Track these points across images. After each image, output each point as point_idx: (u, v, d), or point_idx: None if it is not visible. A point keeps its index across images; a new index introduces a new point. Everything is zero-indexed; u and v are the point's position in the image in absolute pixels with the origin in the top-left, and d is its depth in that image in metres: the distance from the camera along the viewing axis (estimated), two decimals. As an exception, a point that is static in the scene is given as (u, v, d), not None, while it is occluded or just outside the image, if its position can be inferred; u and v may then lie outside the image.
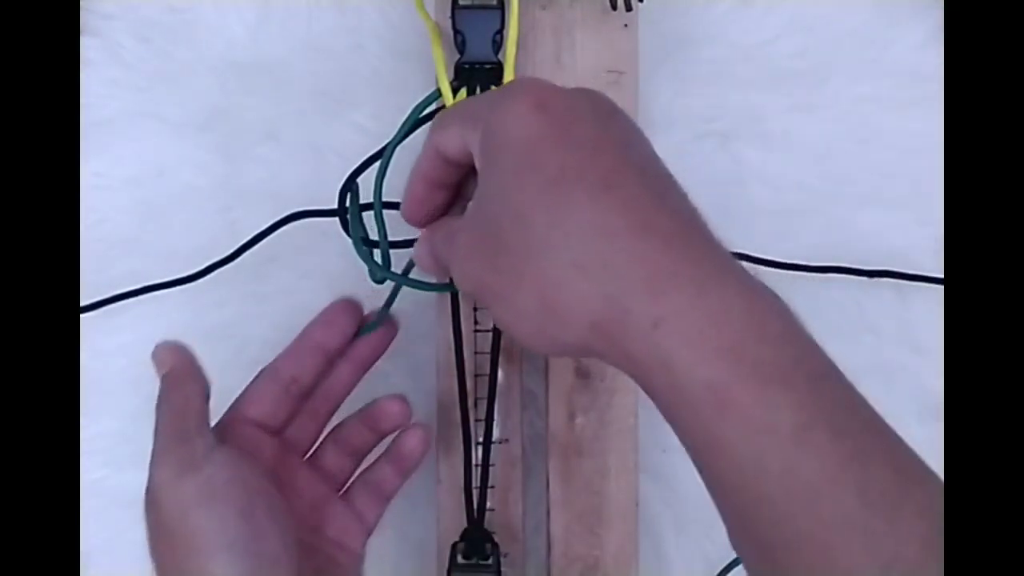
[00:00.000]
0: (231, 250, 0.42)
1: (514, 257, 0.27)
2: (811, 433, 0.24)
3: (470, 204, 0.30)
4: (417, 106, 0.38)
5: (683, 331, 0.25)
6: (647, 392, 0.27)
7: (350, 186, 0.38)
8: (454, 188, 0.33)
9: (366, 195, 0.38)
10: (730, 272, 0.26)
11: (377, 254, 0.37)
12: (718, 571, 0.44)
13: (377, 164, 0.37)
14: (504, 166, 0.28)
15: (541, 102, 0.28)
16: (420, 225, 0.34)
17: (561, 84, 0.40)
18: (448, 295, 0.40)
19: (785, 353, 0.25)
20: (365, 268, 0.37)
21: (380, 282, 0.37)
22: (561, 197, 0.26)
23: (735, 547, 0.27)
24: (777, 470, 0.24)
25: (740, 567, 0.40)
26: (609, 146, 0.27)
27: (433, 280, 0.38)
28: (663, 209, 0.27)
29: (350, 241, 0.38)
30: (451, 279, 0.32)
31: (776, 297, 0.27)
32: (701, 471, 0.26)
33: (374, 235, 0.37)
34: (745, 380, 0.24)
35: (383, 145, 0.38)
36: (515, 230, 0.27)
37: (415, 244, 0.34)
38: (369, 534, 0.38)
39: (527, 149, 0.27)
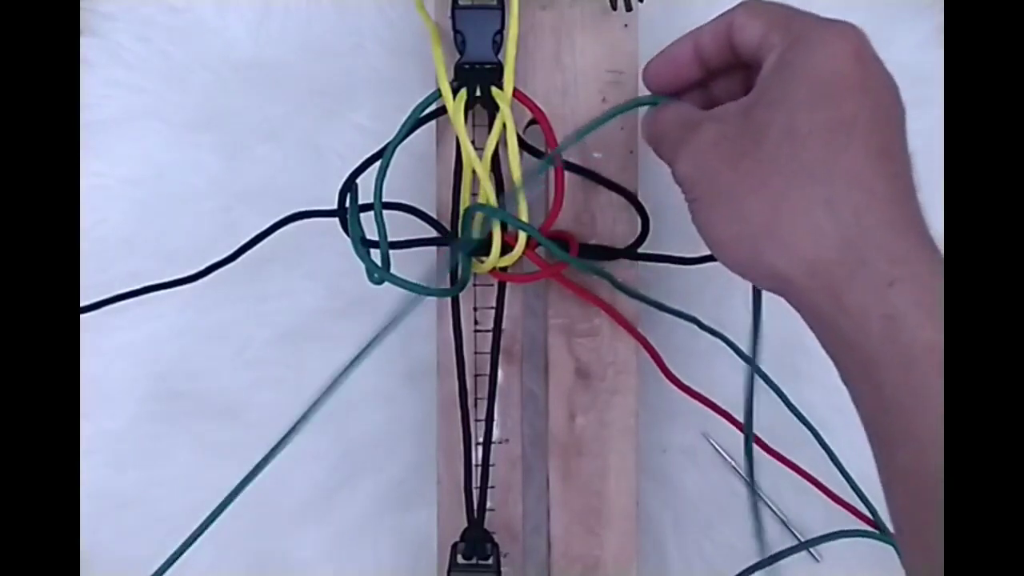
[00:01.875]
0: (231, 250, 0.42)
1: (767, 166, 0.29)
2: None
3: (730, 104, 0.31)
4: (417, 107, 0.38)
5: (916, 294, 0.27)
6: (840, 345, 0.28)
7: (350, 186, 0.38)
8: (706, 75, 0.34)
9: (365, 195, 0.38)
10: (939, 252, 0.29)
11: (376, 255, 0.37)
12: (718, 571, 0.44)
13: (377, 164, 0.37)
14: (801, 84, 0.29)
15: (860, 55, 0.29)
16: (656, 89, 0.35)
17: (561, 85, 0.41)
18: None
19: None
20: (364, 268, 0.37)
21: (379, 283, 0.37)
22: (844, 138, 0.28)
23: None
24: None
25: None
26: (895, 120, 0.30)
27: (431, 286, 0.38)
28: (912, 191, 0.29)
29: (345, 240, 0.38)
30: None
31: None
32: (891, 430, 0.28)
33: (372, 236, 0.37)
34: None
35: (383, 145, 0.38)
36: (783, 144, 0.28)
37: (642, 119, 0.35)
38: None
39: (832, 83, 0.29)
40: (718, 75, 0.34)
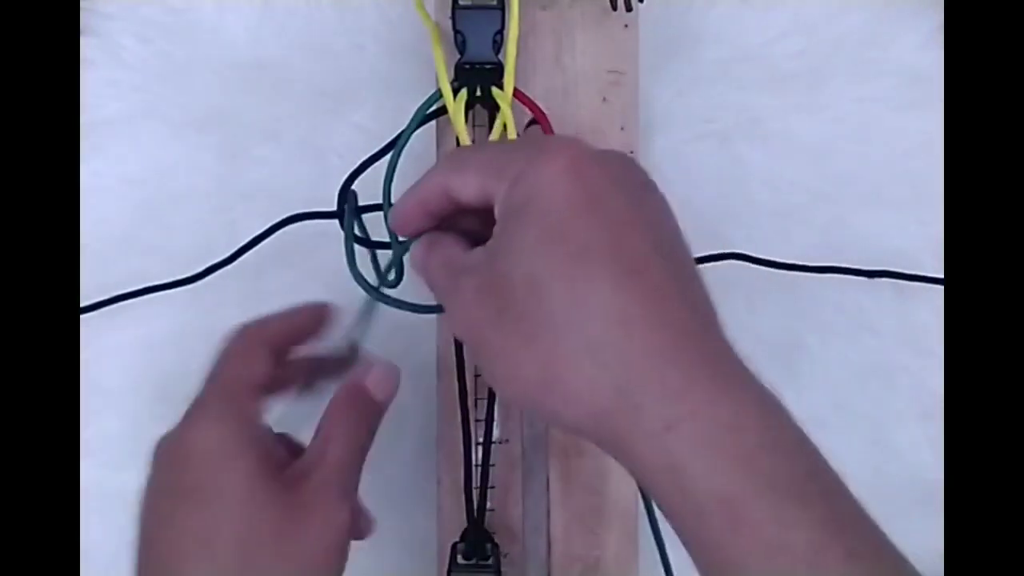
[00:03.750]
0: (231, 250, 0.42)
1: (524, 323, 0.26)
2: (827, 554, 0.23)
3: (479, 249, 0.29)
4: (421, 107, 0.38)
5: (697, 437, 0.24)
6: (649, 493, 0.26)
7: (348, 187, 0.38)
8: (456, 211, 0.31)
9: (364, 197, 0.37)
10: (743, 375, 0.26)
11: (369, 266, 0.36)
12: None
13: (376, 165, 0.37)
14: (528, 228, 0.26)
15: (576, 167, 0.27)
16: (412, 233, 0.32)
17: (561, 85, 0.41)
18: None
19: (799, 465, 0.25)
20: (364, 267, 0.37)
21: (378, 298, 0.36)
22: (583, 273, 0.25)
23: None
24: None
25: None
26: (638, 225, 0.26)
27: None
28: (684, 302, 0.26)
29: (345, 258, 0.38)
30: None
31: (783, 404, 0.26)
32: None
33: (374, 236, 0.37)
34: (760, 494, 0.24)
35: (382, 145, 0.38)
36: (530, 296, 0.26)
37: (411, 249, 0.32)
38: None
39: (555, 216, 0.26)
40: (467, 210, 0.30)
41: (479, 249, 0.29)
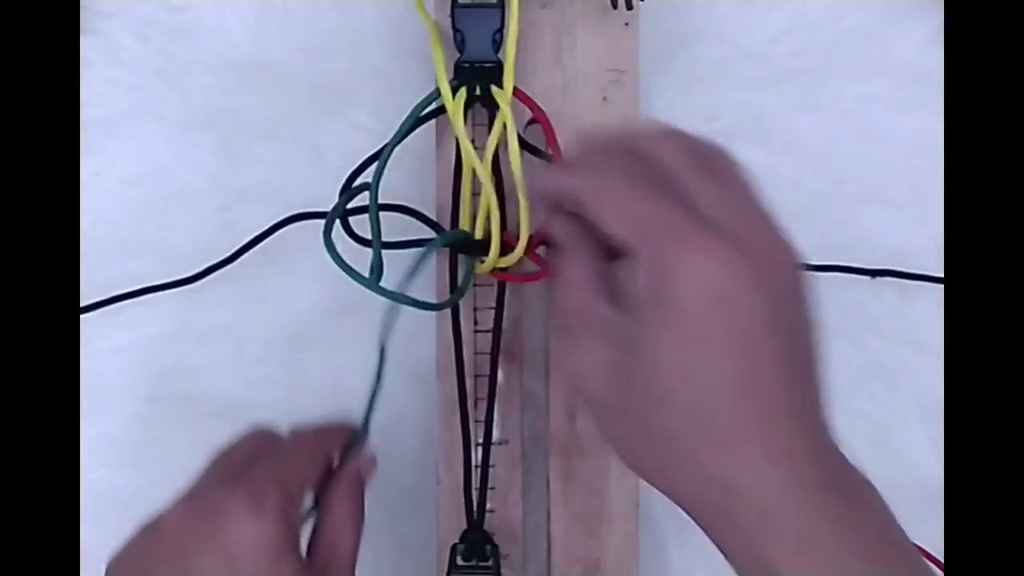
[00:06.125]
0: (230, 249, 0.42)
1: (650, 421, 0.28)
2: None
3: (615, 319, 0.29)
4: (417, 106, 0.38)
5: (792, 539, 0.26)
6: None
7: (349, 187, 0.38)
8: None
9: (363, 198, 0.37)
10: (847, 483, 0.27)
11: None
12: (720, 573, 0.44)
13: (375, 165, 0.37)
14: (665, 329, 0.27)
15: (723, 268, 0.27)
16: (544, 202, 0.33)
17: (561, 84, 0.41)
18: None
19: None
20: (365, 268, 0.37)
21: (380, 292, 0.36)
22: (710, 382, 0.27)
23: None
24: None
25: None
26: (772, 335, 0.27)
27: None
28: (800, 412, 0.27)
29: (350, 242, 0.38)
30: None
31: (883, 506, 0.28)
32: None
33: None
34: None
35: (383, 145, 0.38)
36: (658, 394, 0.27)
37: (551, 224, 0.32)
38: None
39: (693, 321, 0.27)
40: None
41: (614, 318, 0.29)
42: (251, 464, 0.34)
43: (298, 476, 0.34)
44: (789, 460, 0.26)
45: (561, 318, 0.31)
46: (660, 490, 0.29)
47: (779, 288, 0.28)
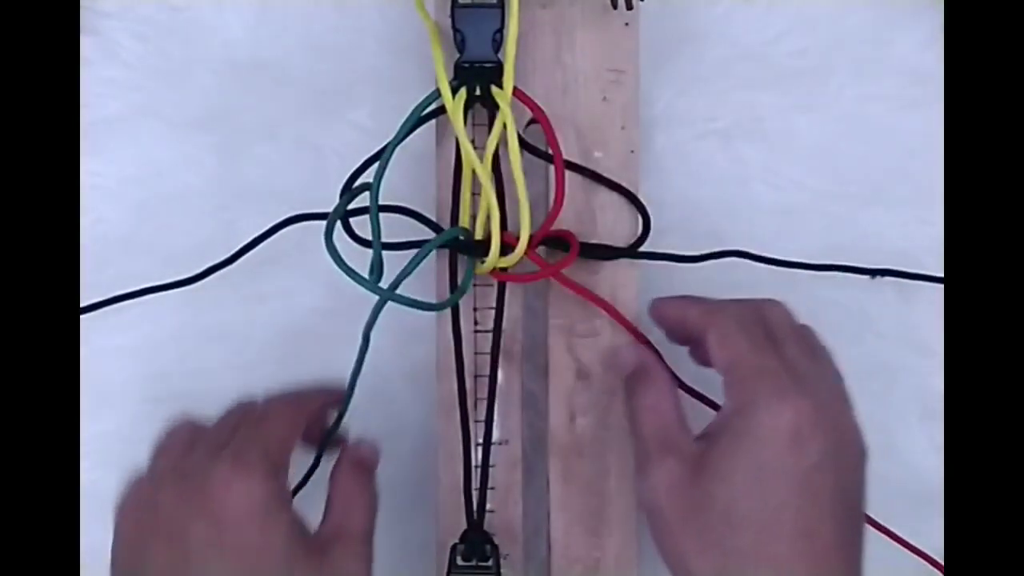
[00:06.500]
0: (230, 249, 0.42)
1: (711, 549, 0.31)
2: None
3: (691, 445, 0.34)
4: (417, 106, 0.38)
5: None
6: None
7: (349, 187, 0.38)
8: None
9: (362, 199, 0.37)
10: None
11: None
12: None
13: (376, 165, 0.37)
14: (737, 472, 0.32)
15: (797, 430, 0.31)
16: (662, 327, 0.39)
17: (561, 84, 0.41)
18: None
19: None
20: (366, 269, 0.37)
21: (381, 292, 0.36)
22: (768, 526, 0.31)
23: None
24: None
25: None
26: (828, 494, 0.31)
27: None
28: (842, 562, 0.31)
29: (350, 242, 0.37)
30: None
31: None
32: None
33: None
34: None
35: (383, 145, 0.37)
36: (720, 524, 0.31)
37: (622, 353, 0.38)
38: None
39: (761, 469, 0.31)
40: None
41: (690, 444, 0.34)
42: (233, 432, 0.35)
43: (279, 437, 0.35)
44: None
45: (643, 441, 0.35)
46: None
47: (845, 458, 0.32)
